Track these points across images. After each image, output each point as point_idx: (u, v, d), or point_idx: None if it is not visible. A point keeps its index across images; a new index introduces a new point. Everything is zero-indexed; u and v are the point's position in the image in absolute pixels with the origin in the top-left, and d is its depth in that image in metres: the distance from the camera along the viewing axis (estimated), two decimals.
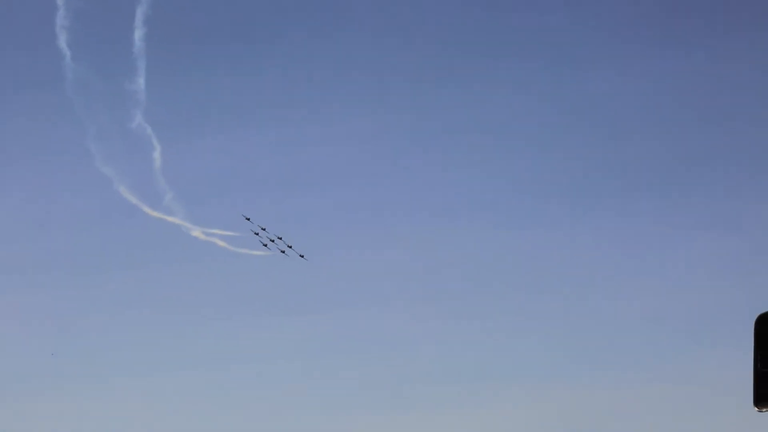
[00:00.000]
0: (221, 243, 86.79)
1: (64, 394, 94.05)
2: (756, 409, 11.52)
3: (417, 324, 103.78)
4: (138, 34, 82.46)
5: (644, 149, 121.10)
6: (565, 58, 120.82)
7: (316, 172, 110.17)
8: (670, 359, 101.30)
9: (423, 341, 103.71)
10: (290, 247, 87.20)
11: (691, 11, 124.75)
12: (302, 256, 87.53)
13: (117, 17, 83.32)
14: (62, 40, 79.13)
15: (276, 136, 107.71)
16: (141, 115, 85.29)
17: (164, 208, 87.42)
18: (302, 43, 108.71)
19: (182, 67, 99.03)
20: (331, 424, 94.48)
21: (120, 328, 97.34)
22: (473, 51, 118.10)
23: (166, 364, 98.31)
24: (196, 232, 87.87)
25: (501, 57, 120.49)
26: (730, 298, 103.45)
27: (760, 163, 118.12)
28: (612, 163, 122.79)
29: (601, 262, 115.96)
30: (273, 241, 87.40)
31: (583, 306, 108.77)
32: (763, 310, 11.94)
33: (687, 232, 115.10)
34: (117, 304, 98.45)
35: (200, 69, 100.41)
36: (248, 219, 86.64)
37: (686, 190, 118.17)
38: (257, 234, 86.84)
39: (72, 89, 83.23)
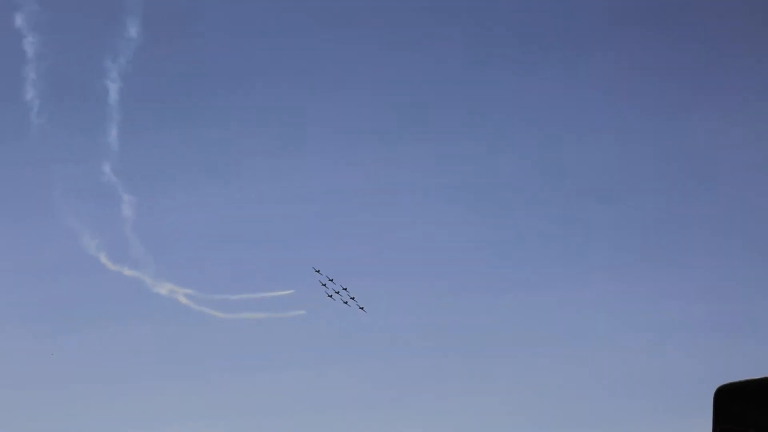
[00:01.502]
0: (184, 300, 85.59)
1: None
2: None
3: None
4: (113, 87, 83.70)
5: (630, 215, 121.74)
6: (556, 121, 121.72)
7: (286, 228, 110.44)
8: (638, 424, 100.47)
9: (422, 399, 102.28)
10: (353, 298, 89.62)
11: (679, 77, 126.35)
12: (362, 308, 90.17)
13: (90, 73, 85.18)
14: (30, 93, 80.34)
15: (249, 191, 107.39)
16: (110, 168, 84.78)
17: (131, 262, 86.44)
18: (277, 98, 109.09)
19: (156, 122, 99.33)
20: None
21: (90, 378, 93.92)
22: (464, 108, 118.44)
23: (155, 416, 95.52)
24: (162, 289, 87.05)
25: (491, 116, 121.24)
26: (700, 366, 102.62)
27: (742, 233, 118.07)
28: (584, 229, 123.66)
29: (580, 326, 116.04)
30: (338, 292, 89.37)
31: (569, 367, 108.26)
32: (723, 382, 12.00)
33: (662, 299, 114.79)
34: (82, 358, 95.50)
35: (174, 125, 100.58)
36: (318, 271, 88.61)
37: (671, 257, 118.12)
38: (324, 285, 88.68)
39: (38, 142, 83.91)
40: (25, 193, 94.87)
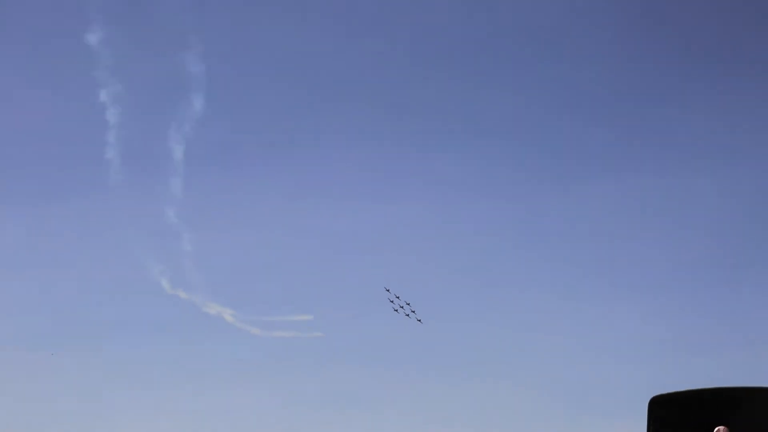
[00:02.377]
0: (229, 319, 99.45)
1: None
2: None
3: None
4: (178, 149, 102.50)
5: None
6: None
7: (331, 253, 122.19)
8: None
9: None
10: (414, 312, 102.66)
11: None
12: (419, 321, 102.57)
13: (159, 138, 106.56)
14: (110, 153, 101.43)
15: (292, 232, 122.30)
16: (174, 213, 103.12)
17: (186, 287, 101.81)
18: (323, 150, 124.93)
19: (214, 177, 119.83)
20: None
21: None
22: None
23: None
24: (211, 309, 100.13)
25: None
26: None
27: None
28: None
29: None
30: (402, 307, 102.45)
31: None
32: (656, 393, 14.46)
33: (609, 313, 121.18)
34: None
35: (230, 179, 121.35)
36: (388, 290, 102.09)
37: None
38: (392, 301, 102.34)
39: (116, 192, 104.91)
40: (103, 233, 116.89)
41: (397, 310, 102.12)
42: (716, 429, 13.54)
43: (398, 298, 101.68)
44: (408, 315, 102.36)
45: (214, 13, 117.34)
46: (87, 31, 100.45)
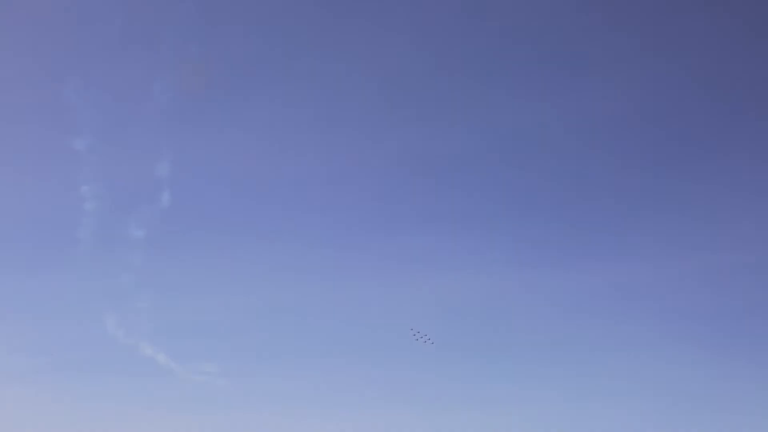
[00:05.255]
0: (163, 361, 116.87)
1: None
2: None
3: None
4: (140, 233, 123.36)
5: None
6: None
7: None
8: None
9: None
10: (429, 339, 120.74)
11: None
12: (432, 342, 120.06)
13: (126, 225, 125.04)
14: (83, 234, 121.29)
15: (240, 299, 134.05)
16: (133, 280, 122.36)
17: (137, 336, 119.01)
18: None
19: (174, 257, 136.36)
20: None
21: None
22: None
23: None
24: (149, 352, 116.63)
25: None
26: None
27: None
28: None
29: None
30: (420, 338, 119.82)
31: None
32: None
33: None
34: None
35: (182, 257, 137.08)
36: (412, 329, 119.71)
37: None
38: (414, 334, 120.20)
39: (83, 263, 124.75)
40: (71, 293, 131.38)
41: (417, 339, 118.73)
42: None
43: (419, 332, 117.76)
44: (425, 342, 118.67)
45: (182, 127, 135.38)
46: (76, 138, 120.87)
